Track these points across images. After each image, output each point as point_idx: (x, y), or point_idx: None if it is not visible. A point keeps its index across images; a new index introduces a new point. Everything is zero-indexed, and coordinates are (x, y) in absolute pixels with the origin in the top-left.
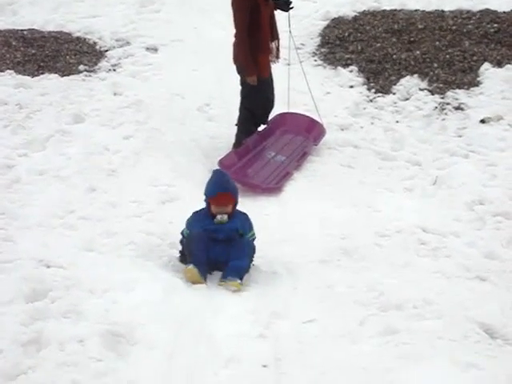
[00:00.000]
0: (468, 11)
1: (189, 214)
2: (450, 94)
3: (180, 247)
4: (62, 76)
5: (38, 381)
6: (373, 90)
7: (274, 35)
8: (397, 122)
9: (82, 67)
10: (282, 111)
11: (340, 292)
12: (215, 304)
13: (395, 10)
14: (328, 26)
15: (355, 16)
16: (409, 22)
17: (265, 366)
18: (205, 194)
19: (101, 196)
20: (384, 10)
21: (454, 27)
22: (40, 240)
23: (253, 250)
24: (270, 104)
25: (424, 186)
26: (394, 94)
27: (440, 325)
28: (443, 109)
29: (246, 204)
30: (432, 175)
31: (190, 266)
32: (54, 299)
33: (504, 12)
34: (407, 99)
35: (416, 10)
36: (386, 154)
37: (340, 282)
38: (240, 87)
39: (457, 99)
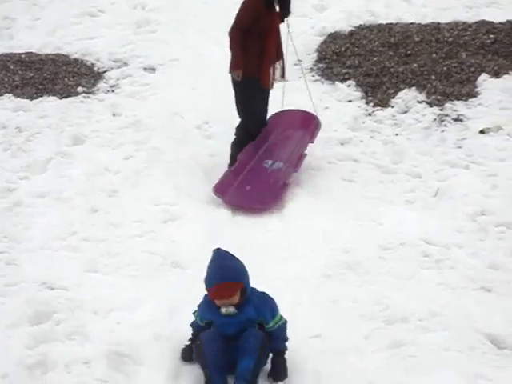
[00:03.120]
0: (464, 23)
1: (191, 234)
2: (448, 105)
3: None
4: (61, 98)
5: None
6: (371, 104)
7: (278, 55)
8: (396, 134)
9: (80, 89)
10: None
11: (345, 306)
12: None
13: (391, 24)
14: (324, 42)
15: (351, 31)
16: (405, 35)
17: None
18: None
19: (102, 217)
20: (380, 24)
21: (451, 39)
22: (43, 262)
23: (260, 341)
24: (261, 121)
25: (425, 198)
26: (392, 107)
27: (446, 337)
28: (442, 121)
29: (247, 221)
30: (433, 187)
31: None
32: (59, 321)
33: (500, 23)
34: (406, 112)
35: (412, 23)
36: (386, 167)
37: (344, 297)
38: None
39: (455, 111)
